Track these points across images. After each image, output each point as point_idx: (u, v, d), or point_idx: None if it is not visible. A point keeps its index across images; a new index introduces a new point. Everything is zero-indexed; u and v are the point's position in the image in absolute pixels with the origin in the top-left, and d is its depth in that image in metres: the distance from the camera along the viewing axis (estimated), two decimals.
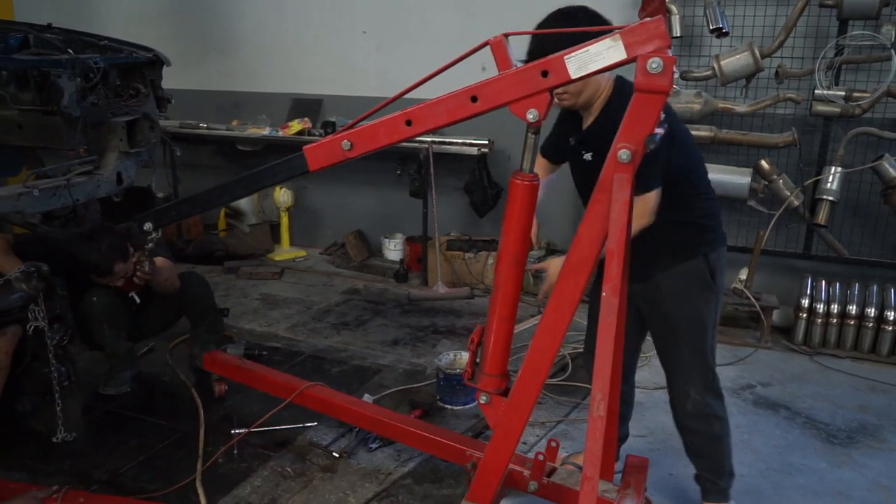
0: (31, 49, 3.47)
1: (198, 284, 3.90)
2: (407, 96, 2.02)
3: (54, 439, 3.17)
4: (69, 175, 2.97)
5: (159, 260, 3.52)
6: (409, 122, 1.95)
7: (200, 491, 2.77)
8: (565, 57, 1.76)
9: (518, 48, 1.95)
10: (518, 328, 3.37)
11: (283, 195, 5.99)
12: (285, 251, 6.14)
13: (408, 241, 5.78)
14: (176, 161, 4.86)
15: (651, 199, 2.23)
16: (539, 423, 3.40)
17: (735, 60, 4.24)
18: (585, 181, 2.33)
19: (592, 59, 1.73)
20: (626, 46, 1.68)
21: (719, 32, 4.24)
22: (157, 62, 3.44)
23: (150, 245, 2.52)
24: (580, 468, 2.65)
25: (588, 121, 2.40)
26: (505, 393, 2.15)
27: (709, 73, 4.36)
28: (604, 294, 1.77)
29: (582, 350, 3.13)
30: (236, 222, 6.26)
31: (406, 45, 5.65)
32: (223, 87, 6.44)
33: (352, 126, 2.03)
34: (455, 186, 5.51)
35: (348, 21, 5.82)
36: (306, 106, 6.00)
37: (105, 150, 3.22)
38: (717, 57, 4.28)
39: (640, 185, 2.14)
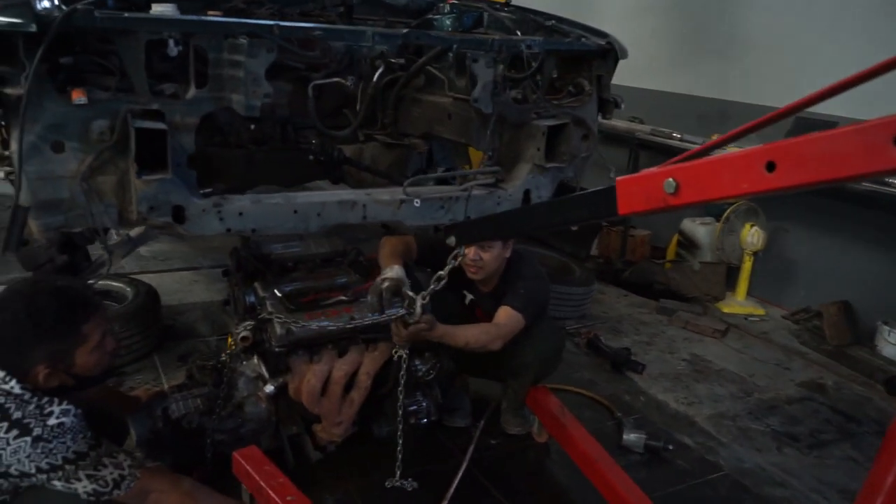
0: (482, 28, 2.99)
1: (552, 342, 2.96)
2: None
3: (388, 484, 2.69)
4: (467, 185, 2.37)
5: (502, 312, 2.67)
6: (771, 166, 1.22)
7: None
8: None
9: None
10: None
11: (751, 234, 4.75)
12: (738, 303, 4.90)
13: None
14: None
15: None
16: None
17: None
18: None
19: None
20: None
21: None
22: (609, 53, 2.62)
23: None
24: None
25: None
26: None
27: None
28: None
29: None
30: (687, 254, 5.23)
31: None
32: (711, 94, 5.41)
33: (688, 158, 1.40)
34: None
35: None
36: (813, 129, 4.57)
37: (517, 159, 2.55)
38: None
39: None
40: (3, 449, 1.71)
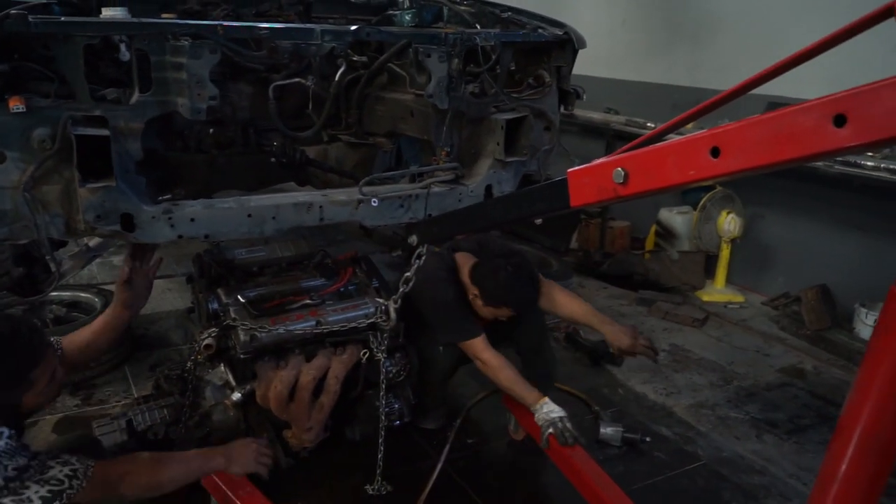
0: (442, 23, 2.95)
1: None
2: None
3: (368, 489, 2.65)
4: (426, 183, 2.33)
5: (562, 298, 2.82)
6: (716, 151, 1.24)
7: None
8: None
9: None
10: None
11: (728, 222, 4.73)
12: (717, 291, 4.89)
13: None
14: None
15: None
16: None
17: None
18: None
19: None
20: None
21: None
22: (567, 43, 2.59)
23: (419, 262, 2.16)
24: None
25: None
26: None
27: None
28: None
29: None
30: (665, 244, 5.21)
31: None
32: (685, 83, 5.38)
33: (636, 146, 1.44)
34: None
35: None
36: None
37: (478, 154, 2.52)
38: None
39: None
40: None
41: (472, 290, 2.77)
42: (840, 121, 1.09)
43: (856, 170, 3.91)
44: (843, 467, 1.18)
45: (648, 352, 2.83)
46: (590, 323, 2.93)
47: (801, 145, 1.16)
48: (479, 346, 2.70)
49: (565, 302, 2.96)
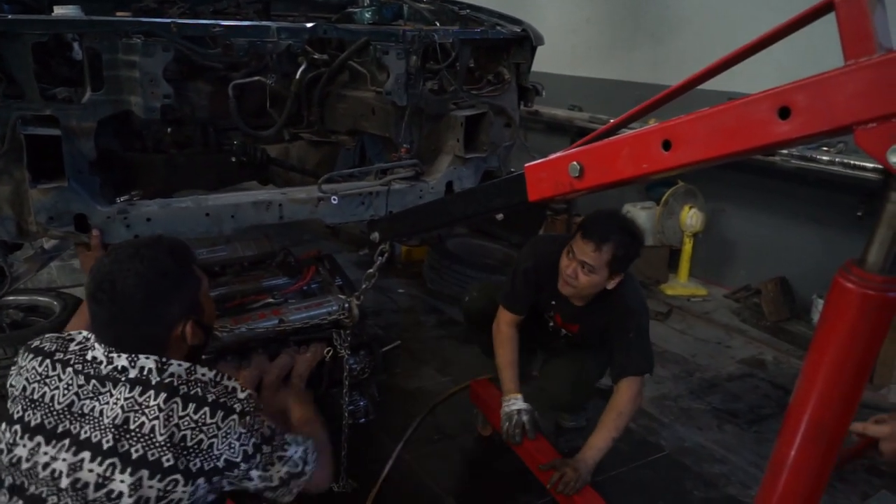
0: (402, 20, 2.95)
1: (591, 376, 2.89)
2: None
3: (334, 487, 2.65)
4: (386, 180, 2.34)
5: (625, 387, 2.53)
6: (667, 144, 1.27)
7: None
8: None
9: None
10: None
11: (690, 217, 4.80)
12: (681, 285, 4.96)
13: None
14: None
15: None
16: None
17: None
18: None
19: None
20: None
21: None
22: (525, 40, 2.61)
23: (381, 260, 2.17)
24: None
25: None
26: None
27: None
28: None
29: None
30: None
31: None
32: (648, 80, 5.42)
33: (592, 140, 1.48)
34: None
35: None
36: None
37: (438, 150, 2.53)
38: None
39: None
40: (215, 436, 1.41)
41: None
42: (784, 113, 1.12)
43: (812, 164, 3.99)
44: (793, 454, 1.21)
45: None
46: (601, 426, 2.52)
47: (748, 138, 1.19)
48: (505, 316, 2.68)
49: (619, 401, 2.50)
